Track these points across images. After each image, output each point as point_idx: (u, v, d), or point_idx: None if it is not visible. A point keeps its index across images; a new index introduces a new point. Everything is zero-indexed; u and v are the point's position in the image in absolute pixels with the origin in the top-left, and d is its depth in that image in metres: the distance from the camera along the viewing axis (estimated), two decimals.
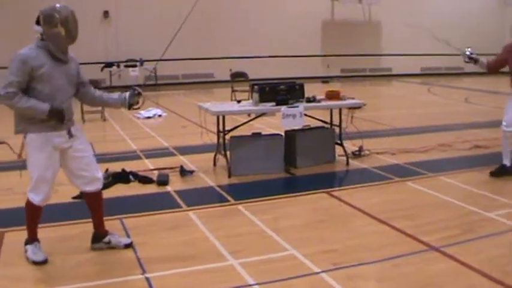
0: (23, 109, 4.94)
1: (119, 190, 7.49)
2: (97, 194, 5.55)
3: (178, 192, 7.57)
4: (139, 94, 5.61)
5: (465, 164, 8.92)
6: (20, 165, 6.53)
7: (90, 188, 5.45)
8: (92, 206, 5.60)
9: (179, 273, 5.01)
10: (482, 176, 8.06)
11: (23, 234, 5.50)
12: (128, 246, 5.61)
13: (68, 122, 5.22)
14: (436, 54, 26.72)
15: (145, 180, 7.95)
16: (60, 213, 6.48)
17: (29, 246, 5.35)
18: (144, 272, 5.00)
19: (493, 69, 8.01)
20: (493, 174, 7.91)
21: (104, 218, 5.75)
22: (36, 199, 5.20)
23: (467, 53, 7.97)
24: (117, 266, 5.19)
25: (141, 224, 6.29)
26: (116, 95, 5.65)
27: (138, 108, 5.76)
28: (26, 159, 5.23)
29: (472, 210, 6.57)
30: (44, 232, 5.92)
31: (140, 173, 8.12)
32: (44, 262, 5.24)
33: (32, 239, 5.37)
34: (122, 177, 7.95)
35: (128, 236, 5.85)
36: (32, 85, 4.98)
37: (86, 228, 5.89)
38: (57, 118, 5.01)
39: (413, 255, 5.26)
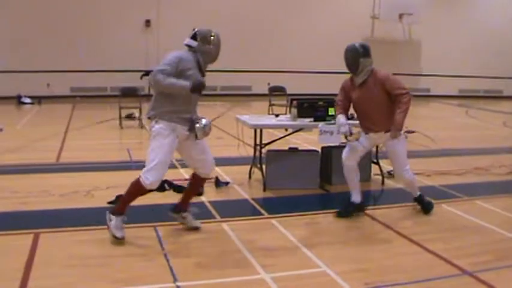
0: (166, 84, 5.69)
1: (153, 198, 7.50)
2: (205, 179, 6.55)
3: (212, 203, 7.60)
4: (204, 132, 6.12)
5: (502, 189, 8.82)
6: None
7: (206, 170, 6.33)
8: (194, 186, 6.51)
9: (210, 283, 5.02)
10: None
11: (57, 235, 5.62)
12: (196, 229, 6.42)
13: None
14: (475, 76, 26.57)
15: (180, 189, 7.97)
16: (96, 217, 6.54)
17: (114, 217, 5.95)
18: (175, 280, 5.03)
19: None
20: None
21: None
22: (151, 179, 5.83)
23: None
24: (150, 272, 5.22)
25: (175, 233, 6.33)
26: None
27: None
28: (150, 143, 5.95)
29: (507, 237, 6.48)
30: (78, 235, 6.07)
31: (175, 182, 8.16)
32: (122, 239, 5.86)
33: (121, 212, 5.99)
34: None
35: (161, 245, 5.91)
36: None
37: None
38: (199, 90, 5.77)
39: (447, 278, 5.21)
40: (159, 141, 5.85)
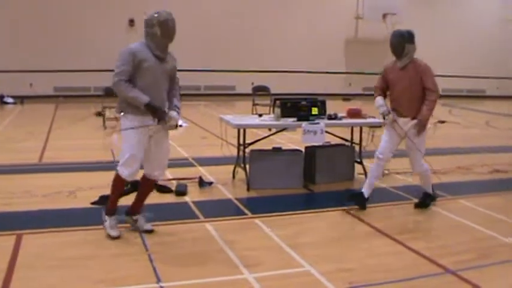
0: (127, 96, 5.74)
1: None
2: (153, 182, 6.35)
3: (196, 203, 7.59)
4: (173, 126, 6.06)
5: (484, 188, 8.89)
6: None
7: (155, 173, 6.20)
8: (144, 190, 6.35)
9: (194, 284, 5.00)
10: (501, 201, 8.02)
11: (40, 236, 5.59)
12: (148, 232, 6.23)
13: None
14: (458, 76, 26.70)
15: (163, 189, 7.98)
16: (78, 218, 6.52)
17: (108, 218, 6.11)
18: (159, 280, 5.01)
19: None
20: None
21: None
22: (126, 172, 5.94)
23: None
24: (133, 273, 5.20)
25: (158, 233, 6.29)
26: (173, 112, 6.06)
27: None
28: (122, 136, 5.98)
29: (489, 235, 6.52)
30: (61, 236, 6.03)
31: (159, 182, 8.13)
32: (118, 237, 5.99)
33: (112, 211, 6.13)
34: None
35: (145, 246, 5.89)
36: (135, 76, 5.78)
37: (101, 235, 6.00)
38: (152, 112, 5.77)
39: (430, 277, 5.23)
40: (128, 134, 5.87)
